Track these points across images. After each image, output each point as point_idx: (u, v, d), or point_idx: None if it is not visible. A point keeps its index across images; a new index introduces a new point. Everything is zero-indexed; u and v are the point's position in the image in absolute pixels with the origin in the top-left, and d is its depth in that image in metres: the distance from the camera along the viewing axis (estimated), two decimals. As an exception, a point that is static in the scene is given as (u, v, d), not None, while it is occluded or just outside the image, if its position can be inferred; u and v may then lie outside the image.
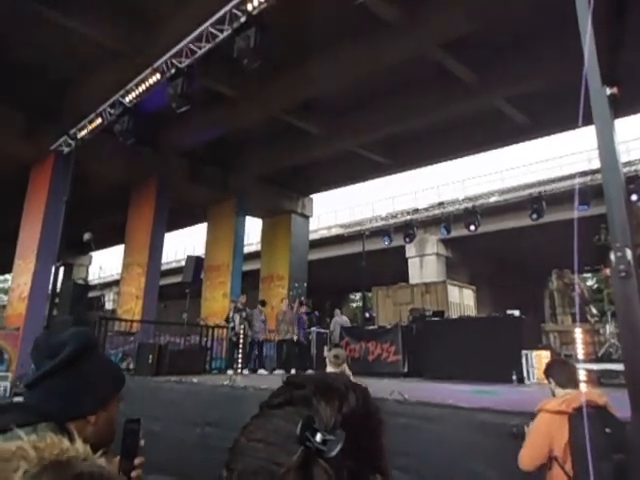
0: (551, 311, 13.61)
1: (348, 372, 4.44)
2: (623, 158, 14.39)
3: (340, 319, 11.45)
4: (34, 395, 1.15)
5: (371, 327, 11.33)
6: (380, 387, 5.60)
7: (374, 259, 17.63)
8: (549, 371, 2.95)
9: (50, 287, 10.73)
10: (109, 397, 1.23)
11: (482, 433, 3.80)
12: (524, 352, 7.51)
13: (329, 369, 4.30)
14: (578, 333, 8.15)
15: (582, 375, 7.18)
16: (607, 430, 2.36)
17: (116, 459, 1.09)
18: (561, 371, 2.90)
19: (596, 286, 25.51)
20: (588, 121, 2.80)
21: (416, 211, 16.80)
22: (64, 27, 10.05)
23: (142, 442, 1.11)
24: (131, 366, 9.37)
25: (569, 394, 2.70)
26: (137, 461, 1.09)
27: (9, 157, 13.96)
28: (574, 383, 2.82)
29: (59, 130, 11.44)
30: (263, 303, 10.77)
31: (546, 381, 2.99)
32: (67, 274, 23.74)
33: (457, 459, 3.90)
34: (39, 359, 1.19)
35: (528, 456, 2.63)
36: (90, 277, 29.89)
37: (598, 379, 7.39)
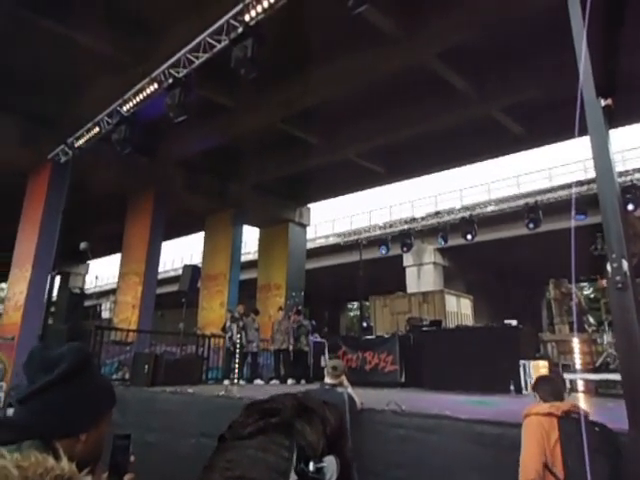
0: (549, 320, 13.62)
1: (346, 383, 4.41)
2: (619, 168, 14.49)
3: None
4: (26, 410, 1.11)
5: (368, 337, 11.28)
6: (377, 397, 5.56)
7: (371, 268, 17.62)
8: (535, 387, 3.02)
9: (46, 296, 10.67)
10: (102, 415, 1.20)
11: (480, 444, 3.77)
12: (522, 362, 7.46)
13: (327, 380, 4.28)
14: (576, 343, 8.16)
15: (580, 385, 7.17)
16: (596, 429, 2.39)
17: (105, 475, 1.07)
18: (545, 386, 2.96)
19: (593, 295, 25.57)
20: (585, 132, 2.82)
21: (413, 220, 16.83)
22: (63, 36, 10.10)
23: (132, 458, 1.09)
24: (127, 376, 9.30)
25: (554, 402, 2.76)
26: (127, 477, 1.07)
27: (6, 165, 13.95)
28: (558, 397, 2.86)
29: (57, 139, 11.44)
30: (256, 312, 10.72)
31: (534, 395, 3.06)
32: (63, 283, 23.68)
33: (454, 470, 3.86)
34: (33, 373, 1.15)
35: (532, 463, 2.54)
36: (87, 286, 29.79)
37: (596, 389, 7.36)
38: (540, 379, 3.17)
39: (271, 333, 10.42)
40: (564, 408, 2.63)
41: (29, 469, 0.58)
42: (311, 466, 0.47)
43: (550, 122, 11.88)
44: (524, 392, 7.16)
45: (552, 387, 2.96)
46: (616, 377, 6.57)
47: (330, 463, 0.48)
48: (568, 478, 2.42)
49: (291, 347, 9.97)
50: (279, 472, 0.47)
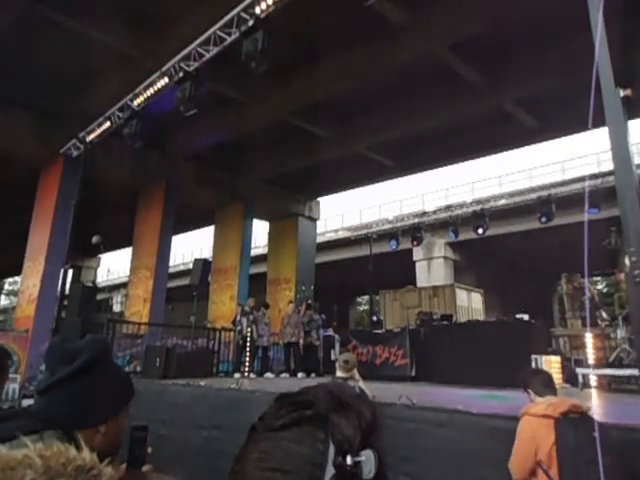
0: (560, 315, 13.50)
1: (358, 377, 4.41)
2: (635, 160, 14.28)
3: None
4: (46, 401, 1.13)
5: (378, 331, 11.28)
6: (388, 391, 5.56)
7: (381, 262, 17.58)
8: (524, 382, 2.95)
9: (59, 289, 10.81)
10: (121, 407, 1.22)
11: (492, 439, 3.75)
12: (533, 357, 7.41)
13: (339, 374, 4.27)
14: (588, 338, 8.07)
15: (593, 380, 7.10)
16: (594, 434, 2.34)
17: (123, 466, 1.08)
18: (536, 379, 2.90)
19: (606, 290, 25.31)
20: (598, 123, 2.77)
21: (424, 214, 16.76)
22: (74, 31, 10.13)
23: (150, 449, 1.10)
24: (138, 369, 9.39)
25: (552, 400, 2.69)
26: (145, 469, 1.08)
27: (19, 159, 14.09)
28: (551, 389, 2.81)
29: (68, 133, 11.53)
30: (267, 306, 10.75)
31: (526, 392, 2.97)
32: (76, 276, 23.91)
33: (466, 465, 3.85)
34: (53, 364, 1.17)
35: (518, 465, 2.59)
36: (98, 279, 30.08)
37: (609, 384, 7.29)
38: (527, 374, 3.12)
39: (281, 327, 10.45)
40: (562, 409, 2.52)
41: (51, 459, 0.58)
42: (349, 460, 0.46)
43: (564, 114, 11.71)
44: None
45: (543, 378, 2.90)
46: (630, 372, 6.50)
47: (368, 457, 0.47)
48: None
49: (301, 341, 9.99)
50: (314, 465, 0.46)
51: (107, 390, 1.18)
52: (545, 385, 2.81)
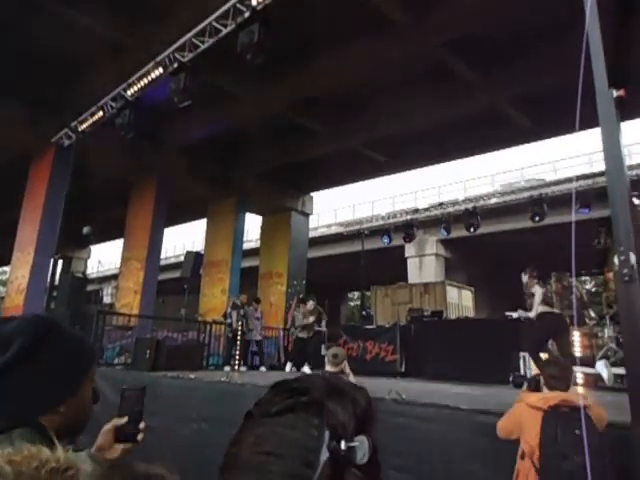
0: (549, 313, 13.58)
1: (347, 371, 4.42)
2: (627, 161, 14.39)
3: None
4: None
5: (369, 326, 11.32)
6: (377, 386, 5.58)
7: (373, 258, 17.63)
8: (542, 367, 3.08)
9: (48, 280, 10.72)
10: (79, 382, 1.09)
11: (480, 434, 3.78)
12: (522, 354, 7.49)
13: (327, 368, 4.28)
14: (576, 336, 8.16)
15: (579, 378, 7.19)
16: (576, 432, 2.42)
17: (118, 447, 1.08)
18: (546, 369, 3.00)
19: (595, 289, 25.57)
20: (587, 124, 2.78)
21: (416, 211, 16.79)
22: (68, 18, 10.00)
23: (143, 424, 1.13)
24: (128, 361, 9.36)
25: (548, 394, 2.81)
26: (142, 425, 1.11)
27: (9, 148, 13.91)
28: (560, 381, 2.87)
29: (60, 122, 11.40)
30: (258, 300, 10.77)
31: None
32: (66, 267, 23.72)
33: (454, 459, 3.89)
34: None
35: (503, 429, 2.92)
36: (89, 271, 29.84)
37: (595, 382, 7.39)
38: (543, 362, 3.22)
39: (289, 323, 10.33)
40: (552, 402, 2.64)
41: (22, 464, 0.55)
42: (343, 445, 0.47)
43: (557, 114, 11.74)
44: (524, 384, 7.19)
45: (553, 369, 2.95)
46: (616, 371, 6.59)
47: (362, 443, 0.48)
48: (542, 473, 2.53)
49: (306, 335, 9.89)
50: (308, 449, 0.46)
51: (58, 368, 1.05)
52: (553, 377, 2.88)
